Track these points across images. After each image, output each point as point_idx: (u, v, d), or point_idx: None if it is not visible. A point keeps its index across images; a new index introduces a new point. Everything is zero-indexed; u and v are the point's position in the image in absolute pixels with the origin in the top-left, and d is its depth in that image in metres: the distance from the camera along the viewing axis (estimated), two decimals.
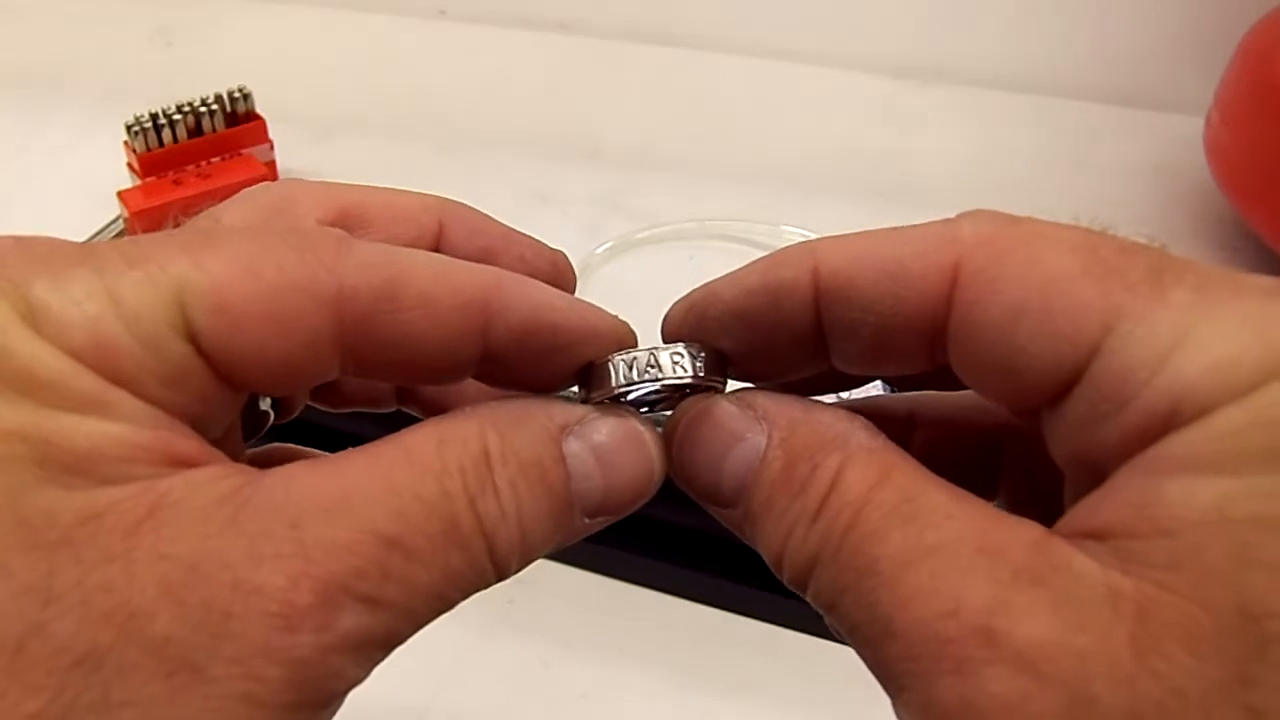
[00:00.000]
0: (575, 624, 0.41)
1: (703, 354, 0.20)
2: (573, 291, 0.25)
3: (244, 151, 0.58)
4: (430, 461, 0.17)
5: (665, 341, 0.20)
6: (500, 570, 0.18)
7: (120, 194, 0.55)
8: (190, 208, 0.55)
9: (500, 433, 0.18)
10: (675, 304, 0.21)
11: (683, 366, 0.20)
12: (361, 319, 0.18)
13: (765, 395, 0.20)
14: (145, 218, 0.54)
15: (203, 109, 0.57)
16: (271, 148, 0.59)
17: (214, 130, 0.57)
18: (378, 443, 0.18)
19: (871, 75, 0.75)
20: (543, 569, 0.45)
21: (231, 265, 0.17)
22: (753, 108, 0.72)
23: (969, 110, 0.72)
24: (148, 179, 0.56)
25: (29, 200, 0.60)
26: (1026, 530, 0.16)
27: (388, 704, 0.39)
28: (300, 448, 0.25)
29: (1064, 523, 0.16)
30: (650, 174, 0.64)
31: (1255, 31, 0.56)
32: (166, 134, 0.56)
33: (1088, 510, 0.16)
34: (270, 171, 0.58)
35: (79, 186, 0.58)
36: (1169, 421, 0.15)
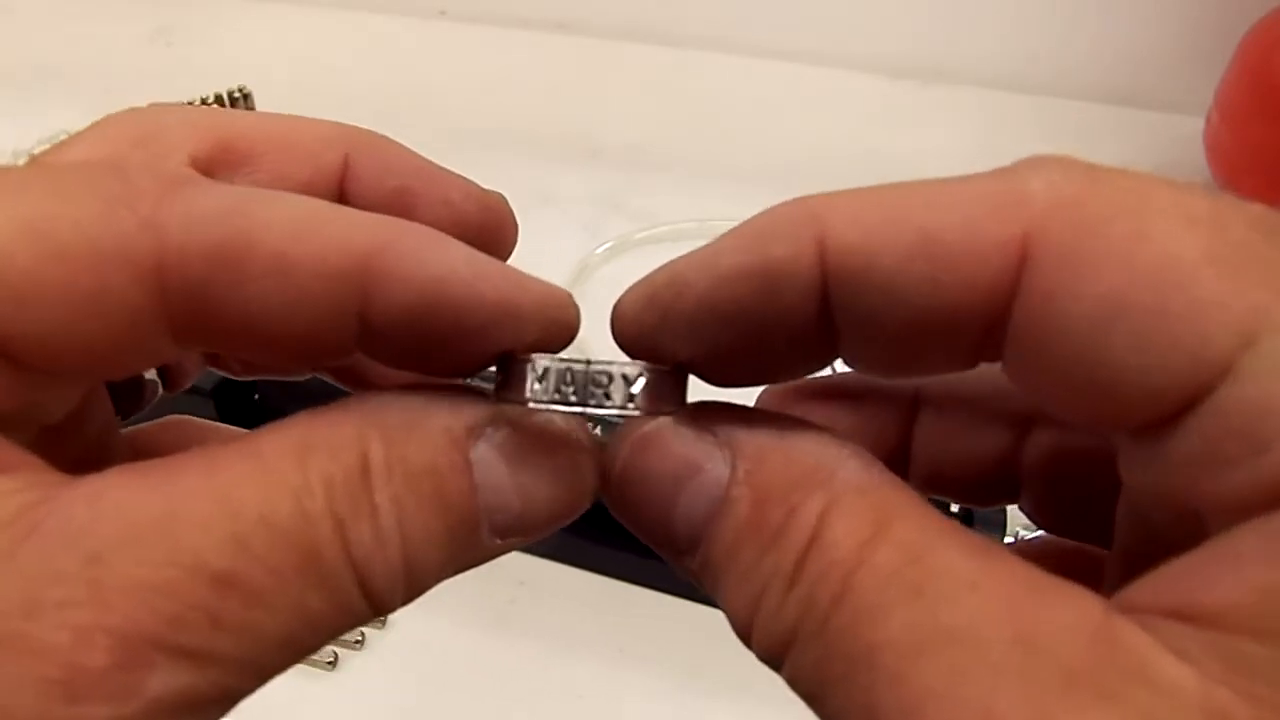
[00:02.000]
0: (575, 624, 0.41)
1: (643, 378, 0.15)
2: (513, 244, 0.21)
3: None
4: (287, 474, 0.13)
5: (621, 345, 0.16)
6: (379, 606, 0.14)
7: None
8: None
9: (386, 436, 0.14)
10: (629, 293, 0.16)
11: (608, 394, 0.15)
12: (193, 289, 0.13)
13: (727, 413, 0.15)
14: None
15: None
16: None
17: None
18: (227, 445, 0.14)
19: (871, 75, 0.75)
20: (543, 569, 0.45)
21: (11, 221, 0.13)
22: (753, 108, 0.72)
23: (969, 110, 0.72)
24: None
25: None
26: (1083, 608, 0.12)
27: (387, 703, 0.39)
28: (206, 423, 0.20)
29: (1139, 589, 0.12)
30: (650, 174, 0.64)
31: (1255, 31, 0.56)
32: None
33: (1182, 578, 0.12)
34: None
35: None
36: None
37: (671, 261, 0.15)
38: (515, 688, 0.40)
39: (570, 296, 0.16)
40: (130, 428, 0.19)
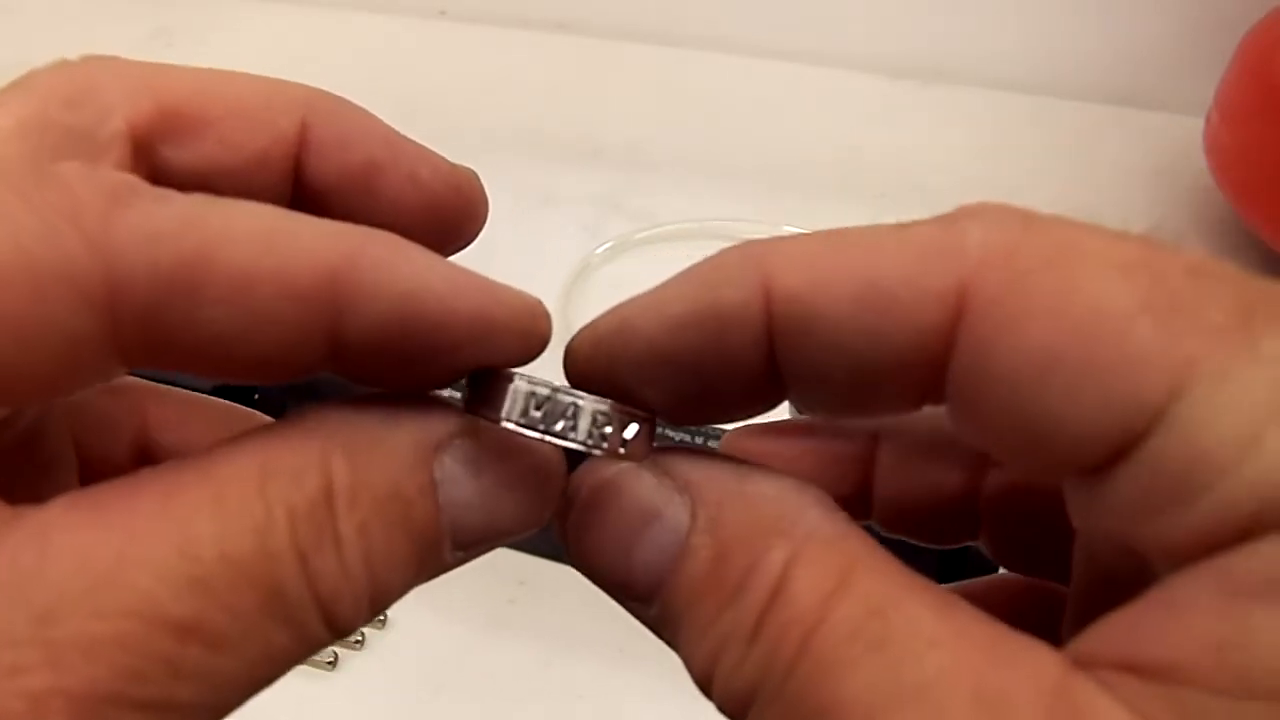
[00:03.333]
0: (575, 624, 0.41)
1: (612, 422, 0.15)
2: (482, 223, 0.19)
3: None
4: (248, 506, 0.12)
5: (574, 385, 0.16)
6: (341, 632, 0.14)
7: None
8: None
9: (351, 458, 0.13)
10: (579, 335, 0.16)
11: (575, 428, 0.15)
12: (146, 313, 0.12)
13: (687, 458, 0.15)
14: None
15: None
16: None
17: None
18: (182, 467, 0.13)
19: (871, 75, 0.75)
20: (543, 569, 0.45)
21: None
22: (753, 108, 0.72)
23: (969, 110, 0.72)
24: None
25: None
26: (1041, 663, 0.12)
27: (387, 703, 0.39)
28: (151, 386, 0.19)
29: (1094, 639, 0.12)
30: (650, 174, 0.64)
31: (1255, 31, 0.56)
32: None
33: (1132, 629, 0.12)
34: None
35: None
36: (1258, 522, 0.11)
37: (620, 305, 0.15)
38: (515, 688, 0.40)
39: (542, 305, 0.15)
40: (75, 397, 0.18)
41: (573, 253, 0.56)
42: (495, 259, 0.68)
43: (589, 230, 0.59)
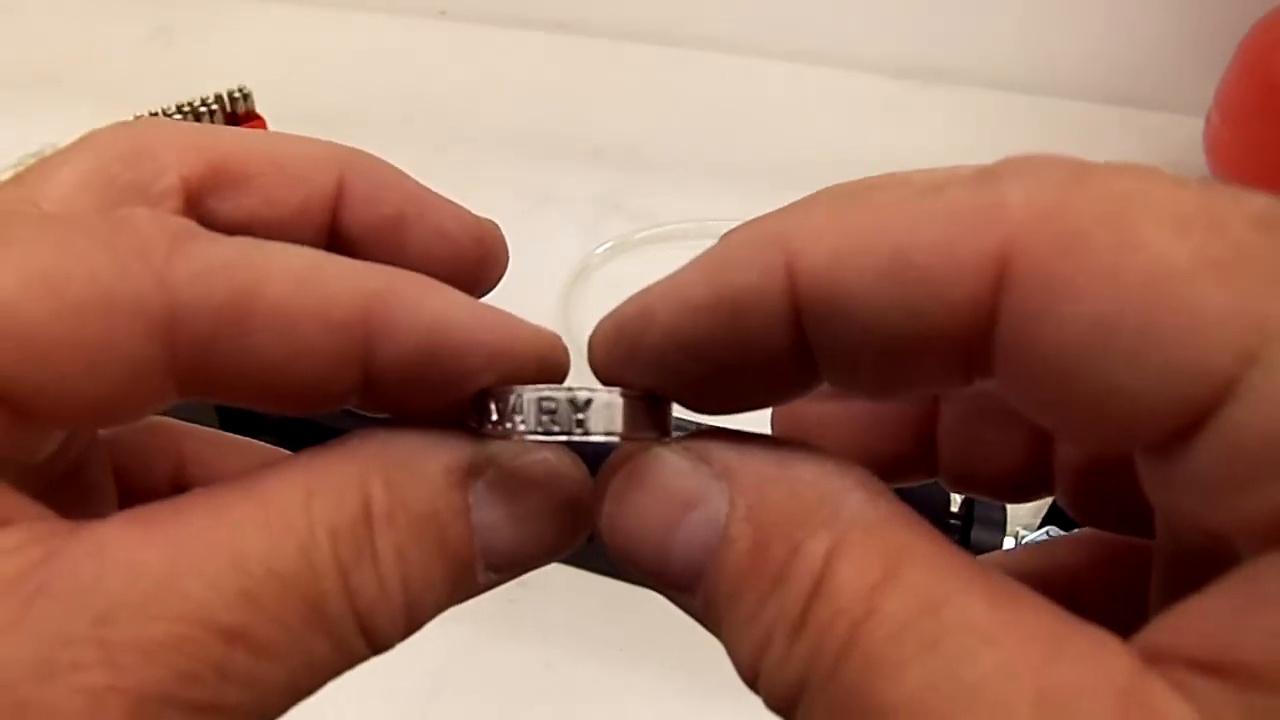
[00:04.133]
0: (575, 624, 0.41)
1: (621, 402, 0.15)
2: (501, 274, 0.20)
3: None
4: (293, 523, 0.13)
5: (598, 377, 0.16)
6: (378, 647, 0.14)
7: None
8: None
9: (388, 480, 0.14)
10: (600, 325, 0.15)
11: (587, 420, 0.15)
12: (201, 343, 0.13)
13: (724, 441, 0.15)
14: None
15: (203, 109, 0.57)
16: None
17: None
18: (230, 488, 0.14)
19: (872, 75, 0.75)
20: (543, 569, 0.45)
21: (24, 274, 0.13)
22: (753, 108, 0.72)
23: (969, 110, 0.72)
24: None
25: None
26: (1110, 661, 0.11)
27: (387, 703, 0.39)
28: (183, 426, 0.20)
29: (1168, 629, 0.11)
30: (650, 174, 0.64)
31: (1255, 31, 0.56)
32: None
33: (1211, 621, 0.11)
34: None
35: None
36: None
37: (640, 291, 0.15)
38: (515, 688, 0.40)
39: (559, 338, 0.16)
40: (109, 431, 0.19)
41: (573, 253, 0.56)
42: None
43: (589, 230, 0.59)
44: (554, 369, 0.16)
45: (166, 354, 0.13)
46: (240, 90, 0.58)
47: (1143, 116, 0.71)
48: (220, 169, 0.18)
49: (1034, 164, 0.12)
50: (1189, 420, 0.11)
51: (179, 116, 0.56)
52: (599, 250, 0.56)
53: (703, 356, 0.14)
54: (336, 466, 0.14)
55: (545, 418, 0.15)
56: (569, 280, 0.54)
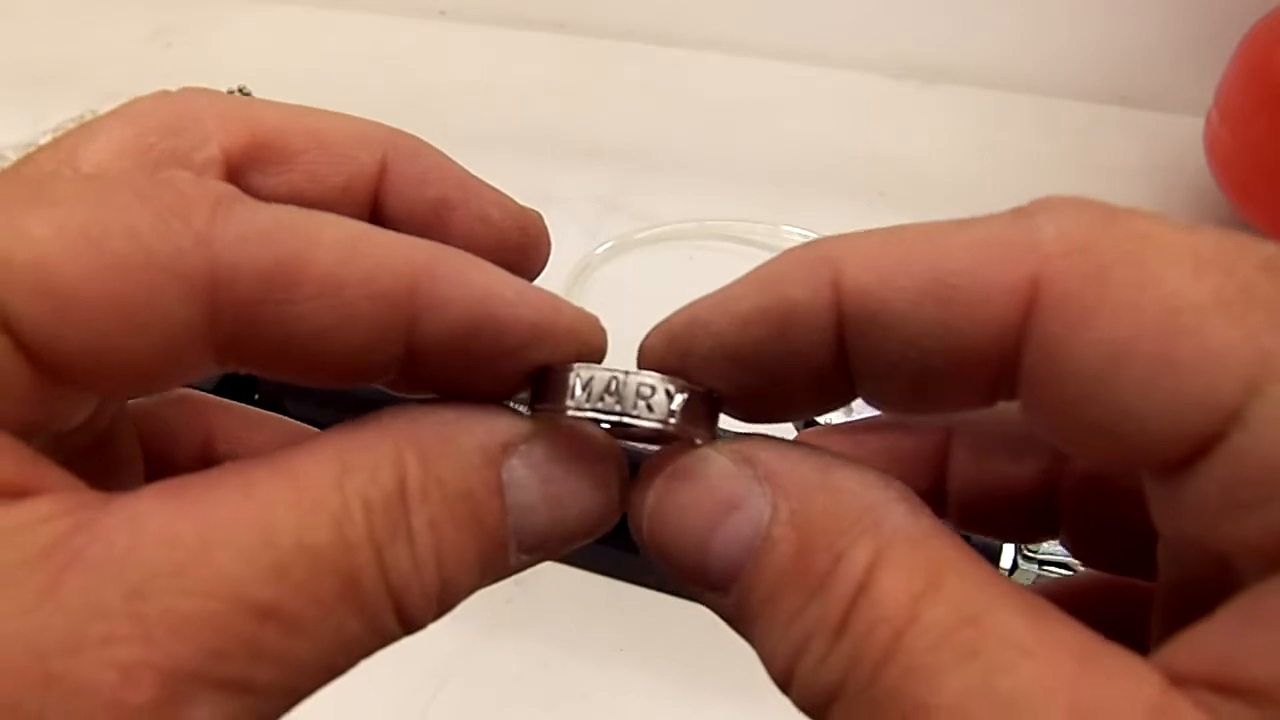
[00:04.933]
0: (575, 624, 0.41)
1: (684, 394, 0.15)
2: (544, 263, 0.20)
3: None
4: (326, 498, 0.13)
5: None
6: (410, 626, 0.14)
7: None
8: None
9: (423, 456, 0.14)
10: (653, 332, 0.16)
11: (650, 405, 0.15)
12: (243, 308, 0.13)
13: (768, 446, 0.15)
14: None
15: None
16: None
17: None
18: (262, 463, 0.13)
19: (873, 75, 0.75)
20: (542, 569, 0.45)
21: (64, 231, 0.13)
22: (753, 108, 0.72)
23: (969, 110, 0.72)
24: None
25: None
26: (1140, 678, 0.11)
27: (387, 704, 0.39)
28: (211, 399, 0.20)
29: (1183, 652, 0.12)
30: (650, 174, 0.64)
31: (1255, 31, 0.56)
32: None
33: (1223, 643, 0.11)
34: None
35: None
36: None
37: (691, 303, 0.15)
38: (514, 688, 0.40)
39: (599, 320, 0.16)
40: (136, 402, 0.19)
41: (573, 252, 0.56)
42: None
43: (589, 230, 0.59)
44: (594, 351, 0.16)
45: (206, 317, 0.13)
46: (240, 90, 0.58)
47: (1143, 116, 0.71)
48: (263, 142, 0.18)
49: (1066, 203, 0.13)
50: (1197, 445, 0.12)
51: None
52: (599, 250, 0.56)
53: (749, 366, 0.15)
54: (370, 441, 0.14)
55: (609, 397, 0.15)
56: (569, 280, 0.54)
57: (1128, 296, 0.12)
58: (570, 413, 0.15)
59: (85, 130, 0.17)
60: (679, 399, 0.15)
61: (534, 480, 0.15)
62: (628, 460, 0.16)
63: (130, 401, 0.19)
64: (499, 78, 0.75)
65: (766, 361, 0.15)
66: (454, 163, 0.19)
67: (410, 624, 0.14)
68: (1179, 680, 0.11)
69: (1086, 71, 0.73)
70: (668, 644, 0.39)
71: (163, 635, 0.12)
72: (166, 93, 0.18)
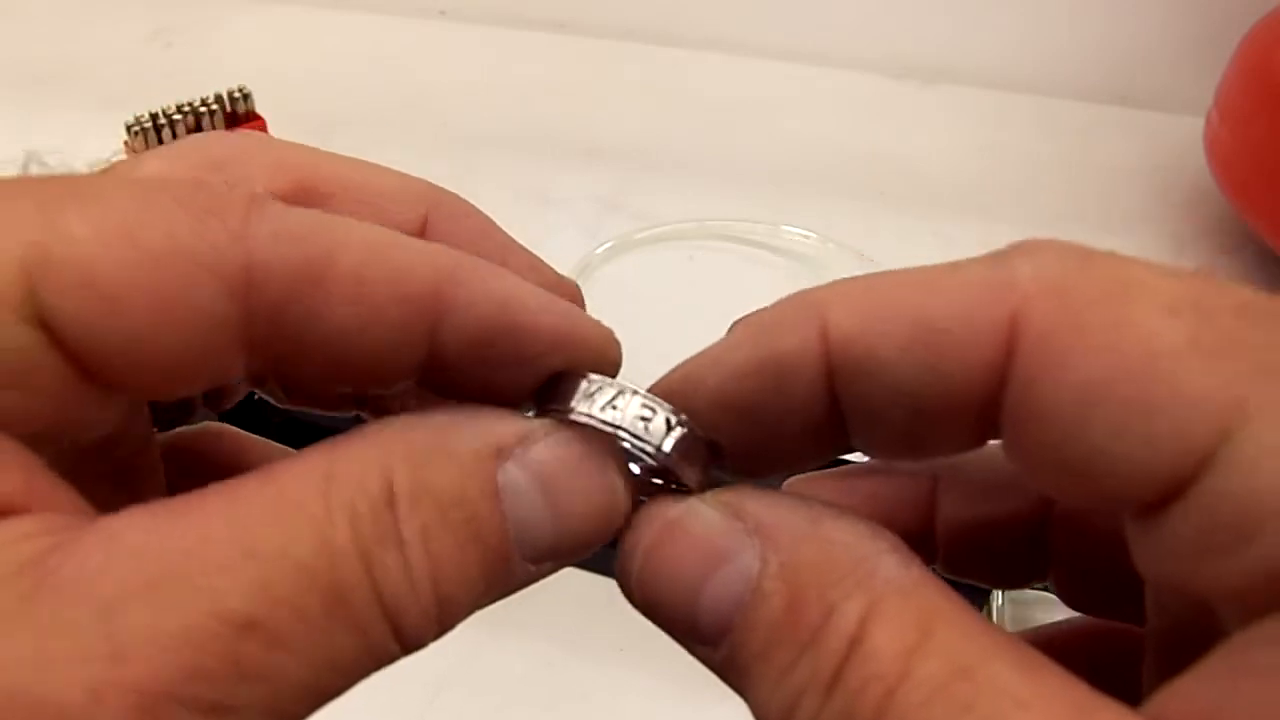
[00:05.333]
0: (575, 624, 0.41)
1: (683, 429, 0.15)
2: None
3: None
4: (309, 507, 0.13)
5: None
6: (409, 644, 0.13)
7: None
8: None
9: (412, 461, 0.13)
10: (654, 386, 0.16)
11: (647, 429, 0.15)
12: (275, 306, 0.13)
13: (757, 496, 0.15)
14: None
15: (203, 109, 0.57)
16: None
17: (214, 130, 0.57)
18: (248, 478, 0.13)
19: (872, 75, 0.75)
20: None
21: (103, 227, 0.13)
22: (753, 108, 0.72)
23: (969, 110, 0.72)
24: None
25: None
26: None
27: (387, 703, 0.39)
28: (242, 434, 0.20)
29: (1173, 704, 0.12)
30: (650, 174, 0.64)
31: (1255, 31, 0.56)
32: (166, 134, 0.56)
33: (1210, 694, 0.12)
34: None
35: None
36: None
37: (686, 360, 0.15)
38: (515, 688, 0.40)
39: (614, 335, 0.16)
40: (166, 434, 0.19)
41: (573, 252, 0.56)
42: None
43: (589, 230, 0.58)
44: (609, 363, 0.16)
45: (240, 314, 0.13)
46: (240, 90, 0.58)
47: (1143, 116, 0.71)
48: (307, 188, 0.18)
49: (1044, 246, 0.13)
50: (1170, 488, 0.12)
51: (179, 117, 0.56)
52: (599, 250, 0.56)
53: (746, 419, 0.15)
54: (356, 450, 0.13)
55: (612, 411, 0.15)
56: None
57: (1103, 339, 0.12)
58: (572, 416, 0.15)
59: (134, 160, 0.17)
60: (676, 432, 0.15)
61: (533, 483, 0.14)
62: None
63: (163, 435, 0.19)
64: (499, 78, 0.75)
65: (762, 413, 0.15)
66: (496, 226, 0.19)
67: (409, 640, 0.13)
68: None
69: (1086, 71, 0.73)
70: (668, 644, 0.39)
71: (136, 653, 0.11)
72: (218, 134, 0.19)
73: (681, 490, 0.15)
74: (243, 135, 0.19)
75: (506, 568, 0.14)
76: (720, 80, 0.75)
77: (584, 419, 0.15)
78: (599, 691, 0.39)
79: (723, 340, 0.15)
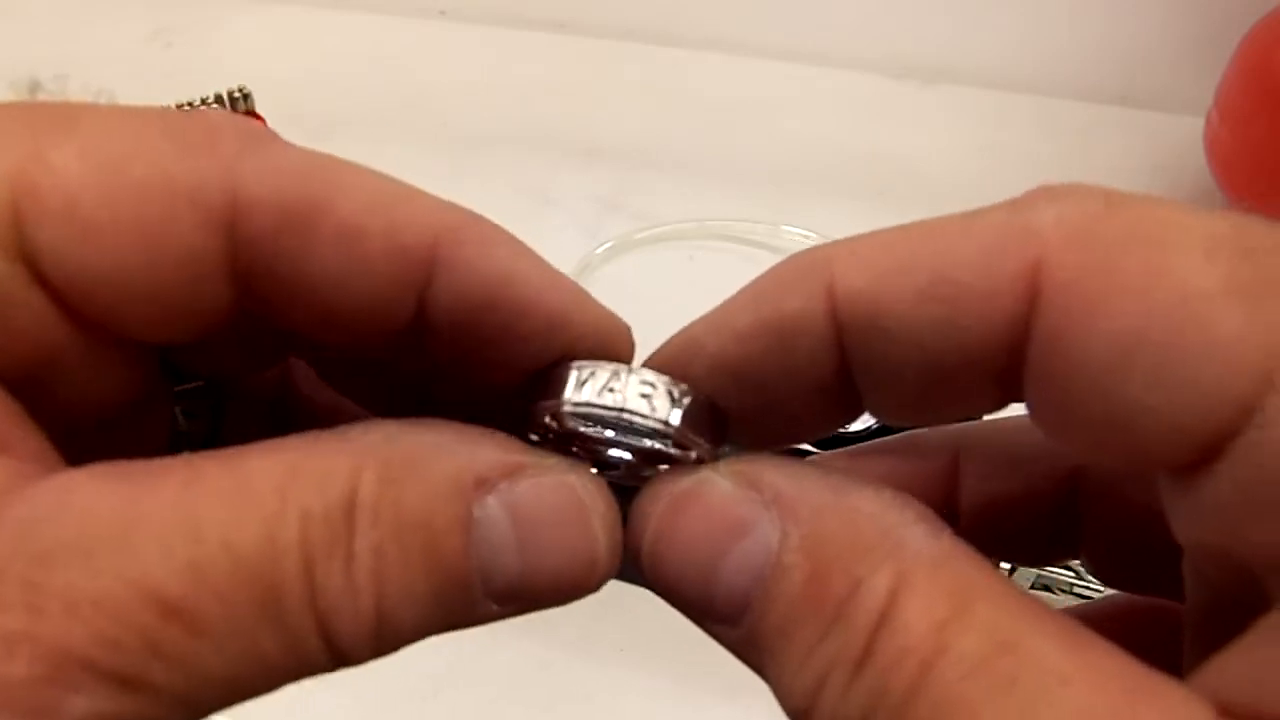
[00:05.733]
0: (575, 624, 0.41)
1: (688, 397, 0.14)
2: None
3: None
4: (263, 498, 0.12)
5: None
6: (343, 658, 0.13)
7: None
8: None
9: (385, 475, 0.13)
10: (651, 358, 0.15)
11: (651, 405, 0.14)
12: (262, 243, 0.13)
13: (775, 466, 0.14)
14: None
15: (203, 109, 0.57)
16: None
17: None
18: (216, 455, 0.13)
19: (871, 75, 0.75)
20: None
21: (87, 155, 0.12)
22: (753, 108, 0.72)
23: (969, 110, 0.72)
24: None
25: None
26: (1189, 709, 0.11)
27: (386, 702, 0.39)
28: (317, 380, 0.19)
29: (1220, 679, 0.11)
30: (650, 174, 0.64)
31: (1255, 31, 0.56)
32: None
33: (1258, 669, 0.11)
34: None
35: None
36: None
37: (688, 324, 0.15)
38: (515, 688, 0.40)
39: (629, 329, 0.15)
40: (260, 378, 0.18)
41: (573, 252, 0.56)
42: None
43: (589, 230, 0.58)
44: (618, 359, 0.15)
45: (225, 248, 0.13)
46: (240, 90, 0.58)
47: (1143, 116, 0.71)
48: (305, 194, 0.17)
49: (1067, 189, 0.12)
50: (1209, 442, 0.11)
51: None
52: (599, 250, 0.56)
53: (749, 384, 0.14)
54: (330, 450, 0.13)
55: (609, 394, 0.14)
56: None
57: (1133, 284, 0.11)
58: (567, 408, 0.14)
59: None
60: (684, 401, 0.14)
61: (509, 522, 0.13)
62: (621, 516, 0.15)
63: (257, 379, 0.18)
64: (499, 78, 0.75)
65: (769, 378, 0.14)
66: (534, 257, 0.15)
67: (340, 654, 0.13)
68: (1227, 710, 0.11)
69: (1086, 71, 0.73)
70: (668, 644, 0.39)
71: (56, 610, 0.11)
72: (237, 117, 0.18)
73: (694, 459, 0.15)
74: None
75: (465, 599, 0.13)
76: (720, 80, 0.75)
77: (583, 409, 0.14)
78: (599, 691, 0.39)
79: (725, 303, 0.14)
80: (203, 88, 0.57)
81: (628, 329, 0.15)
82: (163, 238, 0.13)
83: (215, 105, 0.57)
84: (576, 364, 0.14)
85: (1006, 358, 0.12)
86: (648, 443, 0.15)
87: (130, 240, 0.12)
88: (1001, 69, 0.74)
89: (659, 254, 0.57)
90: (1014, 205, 0.13)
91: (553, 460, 0.14)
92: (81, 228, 0.12)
